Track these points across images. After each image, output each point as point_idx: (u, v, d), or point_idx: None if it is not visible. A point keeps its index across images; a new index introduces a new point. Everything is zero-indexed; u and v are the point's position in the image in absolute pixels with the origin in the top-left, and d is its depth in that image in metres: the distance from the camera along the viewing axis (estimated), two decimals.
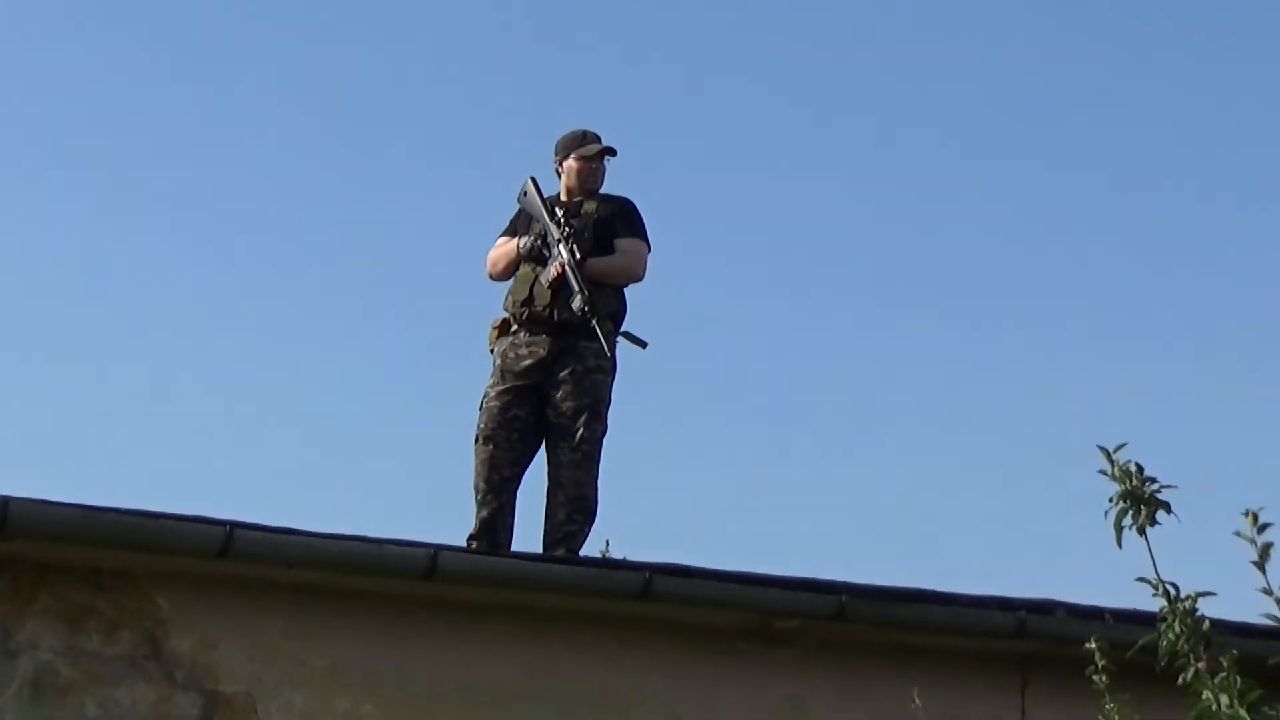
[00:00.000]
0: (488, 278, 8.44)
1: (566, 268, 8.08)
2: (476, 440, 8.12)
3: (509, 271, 8.36)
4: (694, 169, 20.26)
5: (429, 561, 6.59)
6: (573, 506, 7.96)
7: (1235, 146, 20.83)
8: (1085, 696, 4.50)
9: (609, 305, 8.15)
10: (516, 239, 8.35)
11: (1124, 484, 3.66)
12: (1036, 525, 18.44)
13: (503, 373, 8.14)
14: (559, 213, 8.24)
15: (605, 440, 8.06)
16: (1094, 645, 4.33)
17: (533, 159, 8.69)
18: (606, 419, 8.11)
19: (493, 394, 8.14)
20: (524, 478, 8.10)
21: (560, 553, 7.74)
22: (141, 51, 20.05)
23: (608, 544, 9.69)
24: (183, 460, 18.59)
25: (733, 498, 18.48)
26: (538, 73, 20.68)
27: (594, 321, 7.97)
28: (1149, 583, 3.75)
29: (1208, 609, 3.79)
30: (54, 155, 20.14)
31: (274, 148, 20.48)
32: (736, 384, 19.82)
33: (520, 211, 8.47)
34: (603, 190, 8.44)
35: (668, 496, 18.40)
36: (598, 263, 8.16)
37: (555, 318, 8.11)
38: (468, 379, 8.51)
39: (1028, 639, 7.35)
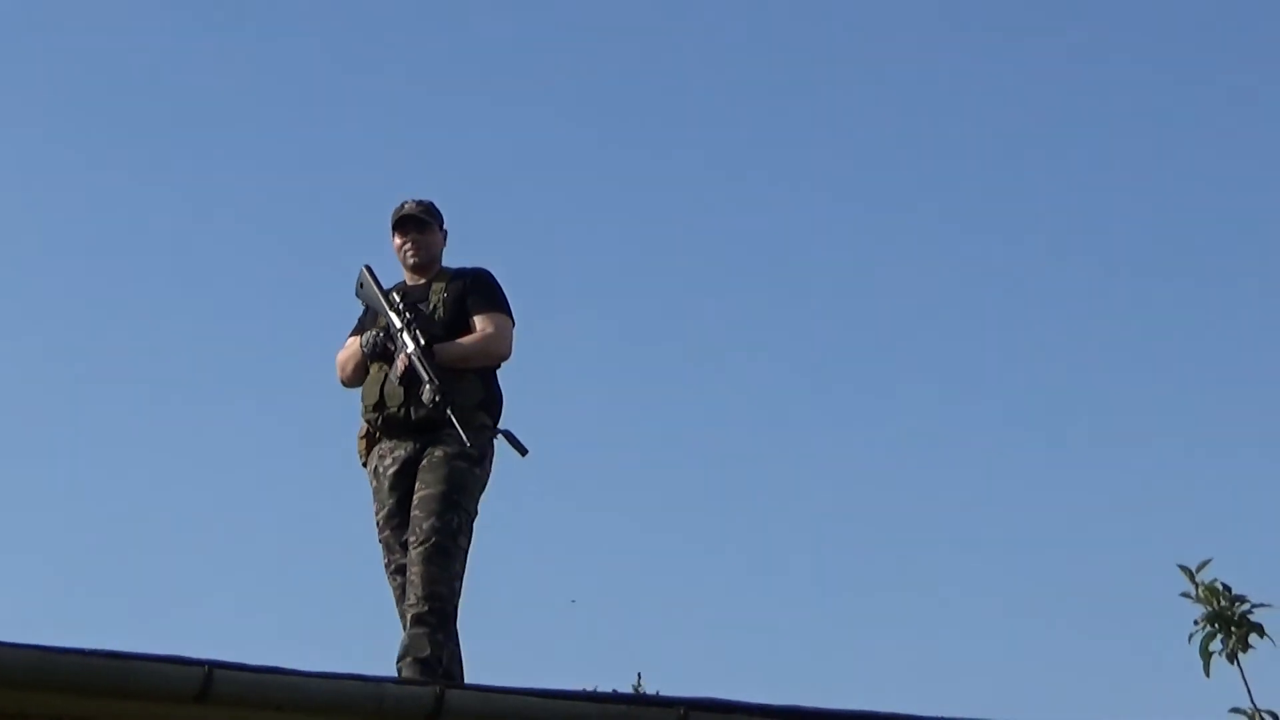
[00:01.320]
0: (341, 385, 7.88)
1: (413, 358, 7.48)
2: (386, 573, 7.59)
3: (359, 374, 7.79)
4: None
5: (434, 702, 6.20)
6: (419, 608, 7.30)
7: None
8: None
9: (471, 394, 7.56)
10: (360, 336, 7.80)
11: (1210, 605, 3.35)
12: (1114, 650, 17.68)
13: (379, 493, 7.62)
14: (396, 298, 7.70)
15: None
16: None
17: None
18: (470, 513, 7.46)
19: (381, 522, 7.63)
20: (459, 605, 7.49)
21: (406, 664, 7.19)
22: None
23: (640, 678, 9.59)
24: (154, 595, 18.02)
25: (775, 626, 17.84)
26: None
27: (449, 411, 7.38)
28: (1243, 714, 3.73)
29: None
30: None
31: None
32: (782, 508, 19.26)
33: (367, 307, 7.90)
34: (452, 265, 7.87)
35: (703, 625, 17.86)
36: (450, 347, 7.59)
37: (412, 417, 7.50)
38: None
39: None
